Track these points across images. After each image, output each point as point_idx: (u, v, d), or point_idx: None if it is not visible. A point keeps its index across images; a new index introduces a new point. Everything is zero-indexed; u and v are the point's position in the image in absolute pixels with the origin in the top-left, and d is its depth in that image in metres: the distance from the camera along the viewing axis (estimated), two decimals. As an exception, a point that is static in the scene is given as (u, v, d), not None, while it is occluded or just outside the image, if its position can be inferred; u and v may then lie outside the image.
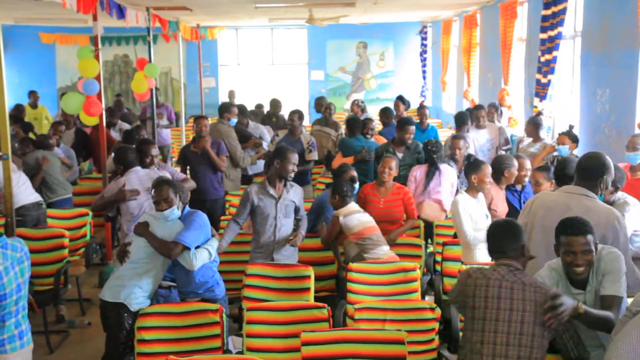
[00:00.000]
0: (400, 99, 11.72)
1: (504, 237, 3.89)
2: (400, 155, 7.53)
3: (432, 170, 7.04)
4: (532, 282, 3.73)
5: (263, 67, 19.54)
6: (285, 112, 12.76)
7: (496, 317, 3.67)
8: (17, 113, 12.18)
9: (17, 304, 4.06)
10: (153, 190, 4.98)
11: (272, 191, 5.78)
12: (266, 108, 12.72)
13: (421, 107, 10.42)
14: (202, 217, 5.03)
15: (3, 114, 6.11)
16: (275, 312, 4.72)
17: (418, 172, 7.13)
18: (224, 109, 9.03)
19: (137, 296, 4.78)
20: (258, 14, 14.58)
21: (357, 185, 6.36)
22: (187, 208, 5.12)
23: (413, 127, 7.77)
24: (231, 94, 16.15)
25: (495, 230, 3.98)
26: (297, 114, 8.60)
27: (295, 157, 5.86)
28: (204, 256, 4.89)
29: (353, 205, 5.97)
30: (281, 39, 19.49)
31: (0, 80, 6.04)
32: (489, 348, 3.66)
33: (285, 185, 5.87)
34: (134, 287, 4.78)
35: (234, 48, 19.49)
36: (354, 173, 6.45)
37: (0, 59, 5.99)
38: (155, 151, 6.59)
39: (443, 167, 7.07)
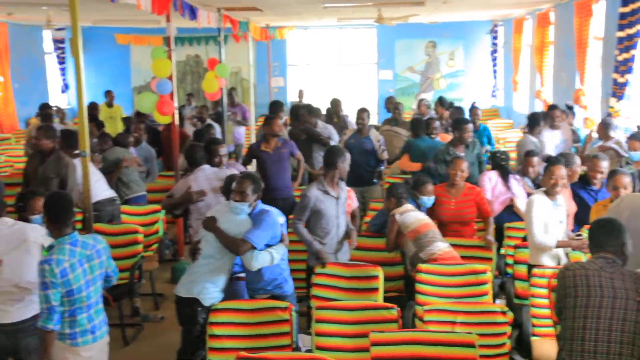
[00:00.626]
0: (440, 101, 11.62)
1: (604, 233, 3.91)
2: (461, 155, 7.45)
3: (506, 175, 6.96)
4: (631, 273, 3.78)
5: (331, 67, 19.56)
6: (349, 112, 12.82)
7: (599, 304, 3.71)
8: (91, 111, 12.52)
9: (89, 300, 4.19)
10: (236, 180, 5.05)
11: (332, 192, 5.80)
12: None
13: (473, 108, 10.41)
14: (273, 217, 5.06)
15: (82, 113, 6.29)
16: (345, 311, 4.72)
17: (487, 175, 7.03)
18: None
19: (210, 291, 4.86)
20: (327, 14, 14.61)
21: (432, 199, 6.32)
22: (260, 205, 5.15)
23: (471, 126, 7.71)
24: (300, 94, 16.21)
25: (596, 226, 4.01)
26: (365, 112, 8.60)
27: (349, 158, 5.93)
28: (265, 259, 4.89)
29: (408, 205, 5.96)
30: (349, 38, 19.48)
31: (79, 80, 6.22)
32: (591, 333, 3.70)
33: (338, 184, 5.91)
34: (206, 282, 4.86)
35: (303, 48, 19.58)
36: (431, 187, 6.39)
37: (80, 59, 6.18)
38: (223, 151, 6.67)
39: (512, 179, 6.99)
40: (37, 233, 4.61)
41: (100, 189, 7.31)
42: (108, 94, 13.99)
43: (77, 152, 7.25)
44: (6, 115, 14.87)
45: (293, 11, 13.74)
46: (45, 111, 10.81)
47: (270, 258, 4.92)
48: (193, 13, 9.77)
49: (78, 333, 4.18)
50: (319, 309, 4.76)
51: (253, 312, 4.75)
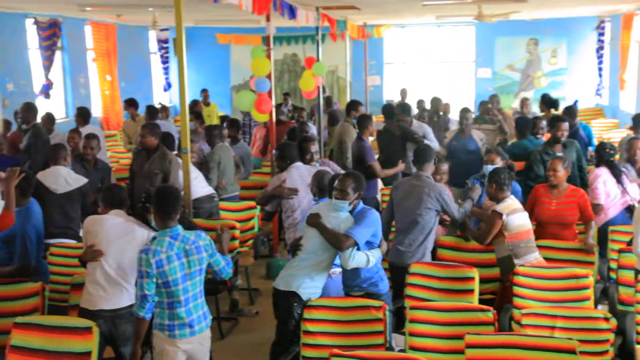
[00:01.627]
0: (543, 99, 11.15)
1: None
2: (559, 154, 7.20)
3: (617, 172, 6.68)
4: None
5: (428, 65, 19.36)
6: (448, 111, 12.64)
7: None
8: (193, 107, 12.87)
9: (186, 294, 4.30)
10: (338, 178, 5.07)
11: None
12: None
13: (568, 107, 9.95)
14: (375, 215, 5.06)
15: (184, 111, 6.48)
16: (439, 312, 4.67)
17: (601, 176, 6.74)
18: (352, 107, 9.09)
19: (308, 286, 4.90)
20: (425, 12, 14.46)
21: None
22: (361, 204, 5.14)
23: (566, 124, 7.44)
24: (403, 93, 15.98)
25: None
26: (468, 112, 8.43)
27: None
28: (361, 260, 4.88)
29: (514, 202, 5.72)
30: (447, 36, 19.22)
31: (182, 78, 6.42)
32: None
33: None
34: (305, 277, 4.91)
35: (400, 46, 19.47)
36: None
37: (183, 58, 6.37)
38: (314, 148, 6.73)
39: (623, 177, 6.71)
40: (145, 232, 4.79)
41: (199, 186, 7.45)
42: (204, 92, 14.31)
43: (175, 152, 7.54)
44: (113, 112, 15.53)
45: (391, 9, 13.68)
46: (151, 109, 11.11)
47: (366, 260, 4.90)
48: (292, 12, 9.87)
49: (176, 325, 4.30)
50: (413, 309, 4.72)
51: (347, 310, 4.76)
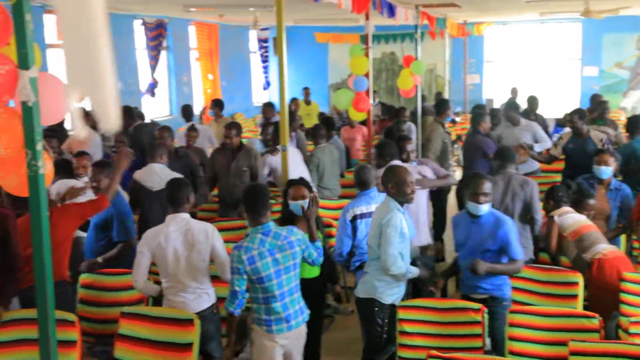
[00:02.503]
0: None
1: None
2: None
3: None
4: None
5: (531, 63, 18.84)
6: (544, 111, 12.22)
7: None
8: (290, 106, 13.03)
9: (280, 289, 4.33)
10: (475, 181, 4.95)
11: None
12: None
13: None
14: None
15: (284, 109, 6.57)
16: (541, 317, 4.53)
17: None
18: (442, 107, 8.91)
19: (385, 291, 4.80)
20: (528, 9, 14.09)
21: None
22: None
23: None
24: (514, 92, 15.48)
25: None
26: (577, 114, 8.06)
27: None
28: (401, 270, 4.74)
29: (567, 207, 5.72)
30: (552, 33, 18.63)
31: (282, 77, 6.52)
32: None
33: None
34: (381, 281, 4.81)
35: (501, 44, 19.04)
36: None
37: (283, 57, 6.46)
38: (411, 147, 6.71)
39: None
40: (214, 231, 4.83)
41: None
42: (305, 91, 14.42)
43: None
44: (214, 110, 15.92)
45: (492, 7, 13.41)
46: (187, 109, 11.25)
47: (404, 273, 4.77)
48: (391, 11, 9.84)
49: (273, 320, 4.35)
50: (513, 313, 4.61)
51: (444, 312, 4.70)
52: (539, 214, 5.96)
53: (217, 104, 11.07)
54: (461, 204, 6.56)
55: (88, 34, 2.19)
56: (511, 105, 9.59)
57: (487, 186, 4.85)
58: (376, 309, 4.79)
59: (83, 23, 2.17)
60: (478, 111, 8.59)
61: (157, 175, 6.53)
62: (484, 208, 4.86)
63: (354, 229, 5.43)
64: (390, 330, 4.84)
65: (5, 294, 4.57)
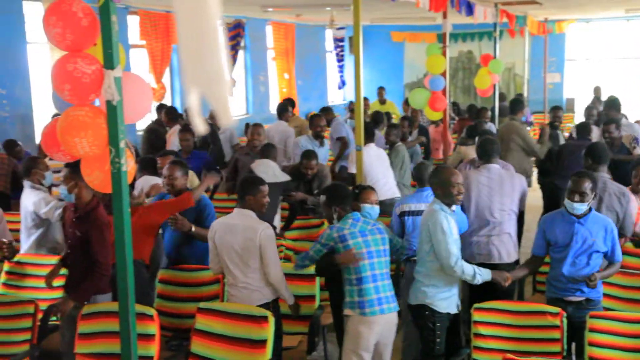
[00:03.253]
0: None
1: None
2: None
3: None
4: None
5: (615, 62, 18.22)
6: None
7: None
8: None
9: (373, 270, 4.54)
10: (572, 179, 4.77)
11: None
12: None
13: None
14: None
15: (359, 108, 6.57)
16: (622, 322, 4.37)
17: None
18: (517, 106, 8.67)
19: (433, 295, 4.70)
20: (613, 5, 13.65)
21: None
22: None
23: None
24: (597, 91, 14.95)
25: None
26: None
27: None
28: (469, 274, 4.64)
29: None
30: (638, 31, 17.97)
31: (358, 76, 6.51)
32: None
33: None
34: (427, 287, 4.71)
35: (584, 42, 18.49)
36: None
37: (359, 57, 6.45)
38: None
39: None
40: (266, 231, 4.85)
41: (384, 189, 7.32)
42: (379, 90, 14.33)
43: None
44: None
45: (575, 4, 13.04)
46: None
47: (472, 275, 4.64)
48: (470, 9, 9.70)
49: (366, 302, 4.51)
50: (593, 318, 4.47)
51: (521, 315, 4.59)
52: (630, 231, 5.55)
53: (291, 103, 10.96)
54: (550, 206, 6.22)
55: (205, 33, 2.27)
56: (611, 104, 9.20)
57: (587, 185, 4.64)
58: (427, 312, 4.69)
59: (200, 23, 2.25)
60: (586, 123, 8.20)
61: (271, 169, 6.84)
62: (582, 207, 4.65)
63: (402, 225, 5.49)
64: (449, 336, 4.76)
65: (82, 294, 4.73)
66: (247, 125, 8.04)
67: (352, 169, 7.14)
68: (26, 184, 6.15)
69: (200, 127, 2.51)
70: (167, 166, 5.65)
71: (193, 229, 5.37)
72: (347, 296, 4.58)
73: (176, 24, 2.28)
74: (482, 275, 4.66)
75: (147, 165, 6.47)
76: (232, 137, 9.62)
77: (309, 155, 7.27)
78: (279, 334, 4.62)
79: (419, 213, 5.28)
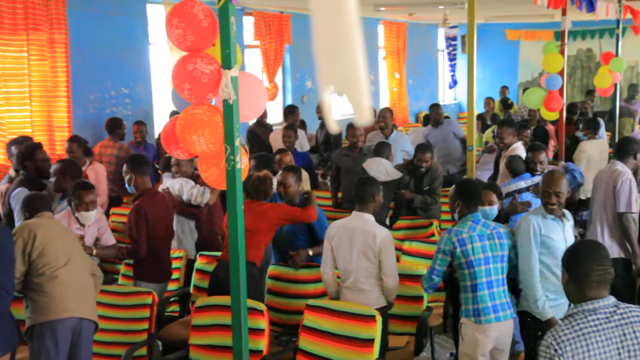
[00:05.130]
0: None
1: None
2: None
3: None
4: None
5: None
6: None
7: None
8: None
9: (489, 276, 4.42)
10: None
11: None
12: None
13: None
14: None
15: (472, 108, 6.44)
16: None
17: None
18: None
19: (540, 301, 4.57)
20: None
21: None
22: None
23: None
24: None
25: None
26: None
27: None
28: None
29: None
30: None
31: (471, 76, 6.39)
32: None
33: None
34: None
35: None
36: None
37: (473, 56, 6.33)
38: (542, 157, 6.36)
39: None
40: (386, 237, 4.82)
41: None
42: (502, 90, 13.94)
43: None
44: (400, 109, 16.00)
45: None
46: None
47: (539, 307, 4.49)
48: (591, 5, 9.29)
49: (480, 310, 4.40)
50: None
51: None
52: None
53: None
54: None
55: (343, 30, 2.30)
56: None
57: None
58: (529, 319, 4.60)
59: (338, 20, 2.28)
60: None
61: (383, 167, 6.82)
62: None
63: None
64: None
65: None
66: (350, 125, 8.00)
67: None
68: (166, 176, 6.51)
69: (333, 126, 2.53)
70: (280, 172, 5.72)
71: (310, 252, 5.52)
72: (463, 304, 4.51)
73: (312, 21, 2.30)
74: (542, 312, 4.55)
75: (263, 162, 6.57)
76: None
77: (424, 148, 7.23)
78: (385, 334, 4.61)
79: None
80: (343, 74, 2.31)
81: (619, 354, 2.65)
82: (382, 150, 7.08)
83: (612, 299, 2.76)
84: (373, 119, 9.17)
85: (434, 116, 9.58)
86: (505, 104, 13.56)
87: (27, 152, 5.89)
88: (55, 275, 4.27)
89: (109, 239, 5.52)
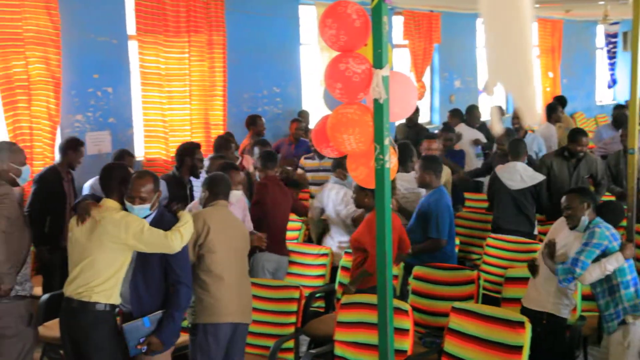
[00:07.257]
0: None
1: None
2: None
3: None
4: None
5: None
6: None
7: None
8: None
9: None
10: None
11: None
12: None
13: None
14: None
15: (634, 108, 6.08)
16: None
17: None
18: None
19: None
20: None
21: None
22: None
23: None
24: None
25: None
26: None
27: None
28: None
29: None
30: None
31: (635, 75, 6.02)
32: None
33: None
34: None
35: None
36: None
37: (637, 53, 5.96)
38: None
39: None
40: None
41: None
42: None
43: None
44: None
45: None
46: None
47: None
48: None
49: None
50: None
51: None
52: None
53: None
54: None
55: (517, 33, 2.29)
56: None
57: None
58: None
59: (512, 23, 2.27)
60: None
61: (519, 173, 6.46)
62: None
63: None
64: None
65: None
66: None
67: None
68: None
69: (496, 127, 2.52)
70: None
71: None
72: (626, 300, 4.43)
73: (485, 19, 2.27)
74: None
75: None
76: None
77: (578, 132, 7.02)
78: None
79: None
80: (515, 73, 2.26)
81: None
82: (517, 153, 6.57)
83: None
84: (543, 119, 9.02)
85: None
86: None
87: (189, 149, 6.29)
88: (222, 276, 4.44)
89: (248, 225, 5.66)
